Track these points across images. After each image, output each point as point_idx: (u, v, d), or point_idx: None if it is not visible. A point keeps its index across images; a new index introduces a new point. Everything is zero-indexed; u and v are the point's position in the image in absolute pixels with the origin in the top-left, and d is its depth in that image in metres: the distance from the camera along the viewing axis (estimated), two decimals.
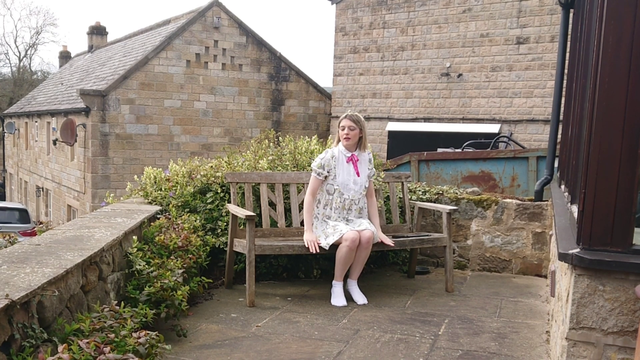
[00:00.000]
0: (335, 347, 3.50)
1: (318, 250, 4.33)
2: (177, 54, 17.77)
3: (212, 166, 5.24)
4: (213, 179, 5.05)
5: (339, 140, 4.57)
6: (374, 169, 4.72)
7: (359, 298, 4.46)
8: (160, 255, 3.95)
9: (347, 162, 4.50)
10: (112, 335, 2.55)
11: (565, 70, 5.66)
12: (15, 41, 61.70)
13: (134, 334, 2.61)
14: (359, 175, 4.51)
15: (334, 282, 4.47)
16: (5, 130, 28.26)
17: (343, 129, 4.48)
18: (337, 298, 4.41)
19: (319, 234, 4.48)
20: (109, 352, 2.32)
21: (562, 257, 2.58)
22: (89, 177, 17.10)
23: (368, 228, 4.41)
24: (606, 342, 2.52)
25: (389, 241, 4.53)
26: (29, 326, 2.39)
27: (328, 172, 4.47)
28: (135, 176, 5.91)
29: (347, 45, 17.89)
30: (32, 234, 13.93)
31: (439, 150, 10.31)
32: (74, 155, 18.51)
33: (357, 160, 4.53)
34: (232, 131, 18.74)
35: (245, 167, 5.24)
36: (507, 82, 15.04)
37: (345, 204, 4.50)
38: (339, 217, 4.50)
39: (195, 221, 4.66)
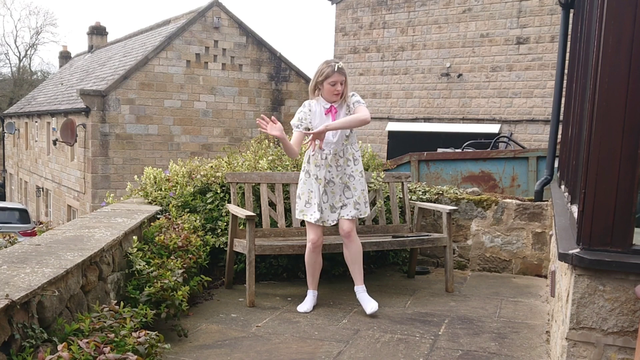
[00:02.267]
0: (335, 347, 3.50)
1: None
2: (177, 54, 17.78)
3: (212, 166, 5.24)
4: (213, 179, 5.05)
5: (314, 90, 4.13)
6: (355, 102, 4.10)
7: (368, 306, 4.12)
8: (160, 255, 3.95)
9: (325, 114, 4.10)
10: (112, 335, 2.55)
11: (565, 70, 5.66)
12: (15, 41, 61.82)
13: (134, 334, 2.61)
14: None
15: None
16: (5, 131, 28.28)
17: (334, 85, 4.00)
18: (304, 304, 4.27)
19: (303, 190, 4.20)
20: (109, 352, 2.32)
21: (562, 257, 2.58)
22: (89, 177, 17.11)
23: (348, 215, 4.11)
24: (606, 342, 2.52)
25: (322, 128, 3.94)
26: (29, 326, 2.39)
27: (306, 127, 4.11)
28: (135, 176, 5.91)
29: (347, 45, 17.89)
30: (32, 234, 13.93)
31: (439, 150, 10.29)
32: (74, 156, 18.52)
33: (336, 112, 4.10)
34: (232, 131, 18.75)
35: (245, 167, 5.24)
36: (507, 82, 15.04)
37: (329, 160, 4.12)
38: (328, 174, 4.12)
39: (195, 221, 4.66)
